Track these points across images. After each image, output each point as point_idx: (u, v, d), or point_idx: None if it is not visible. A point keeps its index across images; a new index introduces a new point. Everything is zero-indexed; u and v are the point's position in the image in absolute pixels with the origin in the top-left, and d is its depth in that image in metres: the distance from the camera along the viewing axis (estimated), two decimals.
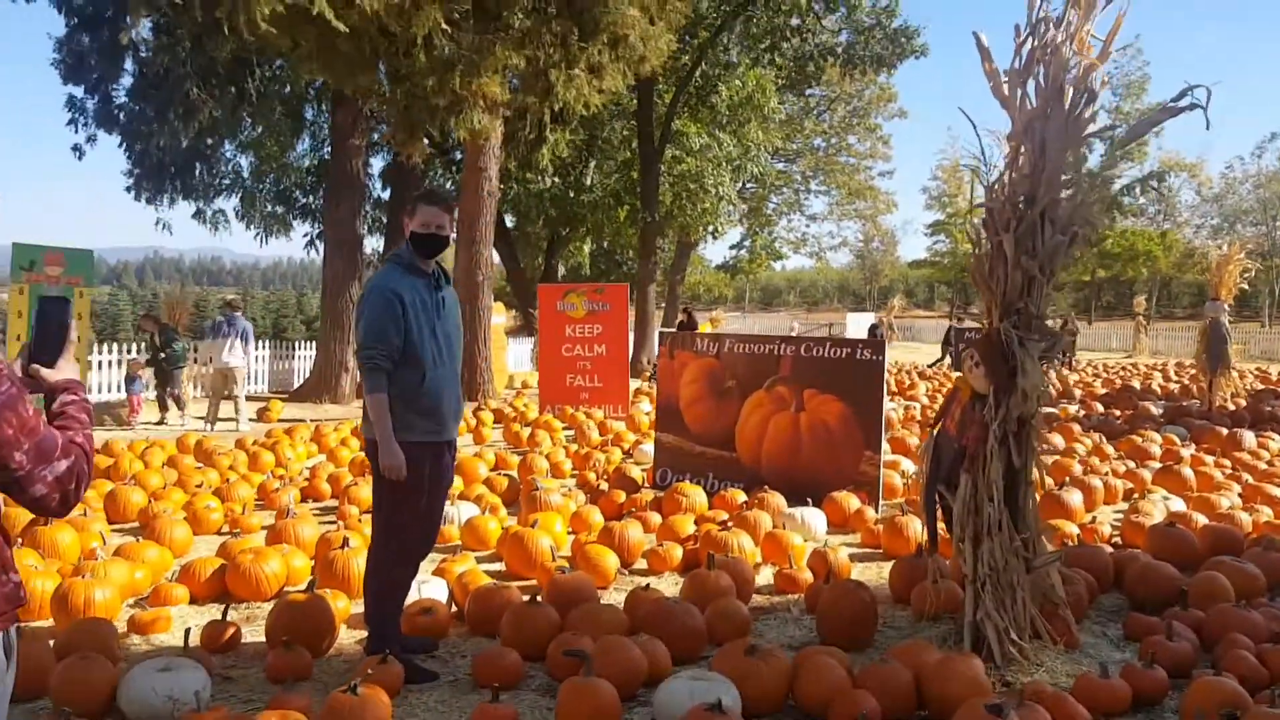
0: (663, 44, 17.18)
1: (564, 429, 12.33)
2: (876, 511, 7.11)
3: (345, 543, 5.22)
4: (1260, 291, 56.14)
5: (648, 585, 4.90)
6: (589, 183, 32.11)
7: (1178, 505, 7.19)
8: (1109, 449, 9.96)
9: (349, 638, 4.67)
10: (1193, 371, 14.49)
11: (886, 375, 18.06)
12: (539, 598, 4.56)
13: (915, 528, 6.04)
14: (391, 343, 3.92)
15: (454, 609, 4.91)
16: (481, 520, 6.31)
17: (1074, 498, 6.98)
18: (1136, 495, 7.77)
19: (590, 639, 4.07)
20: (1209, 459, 9.24)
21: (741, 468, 7.92)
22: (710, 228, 30.93)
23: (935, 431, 4.65)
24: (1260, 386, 17.49)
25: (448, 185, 27.89)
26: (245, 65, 20.82)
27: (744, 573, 5.11)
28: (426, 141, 22.27)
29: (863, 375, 7.45)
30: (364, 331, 3.95)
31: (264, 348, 19.73)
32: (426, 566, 5.57)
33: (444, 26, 12.43)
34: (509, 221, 32.91)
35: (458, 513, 6.59)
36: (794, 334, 27.13)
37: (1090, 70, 4.19)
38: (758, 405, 7.87)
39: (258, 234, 26.82)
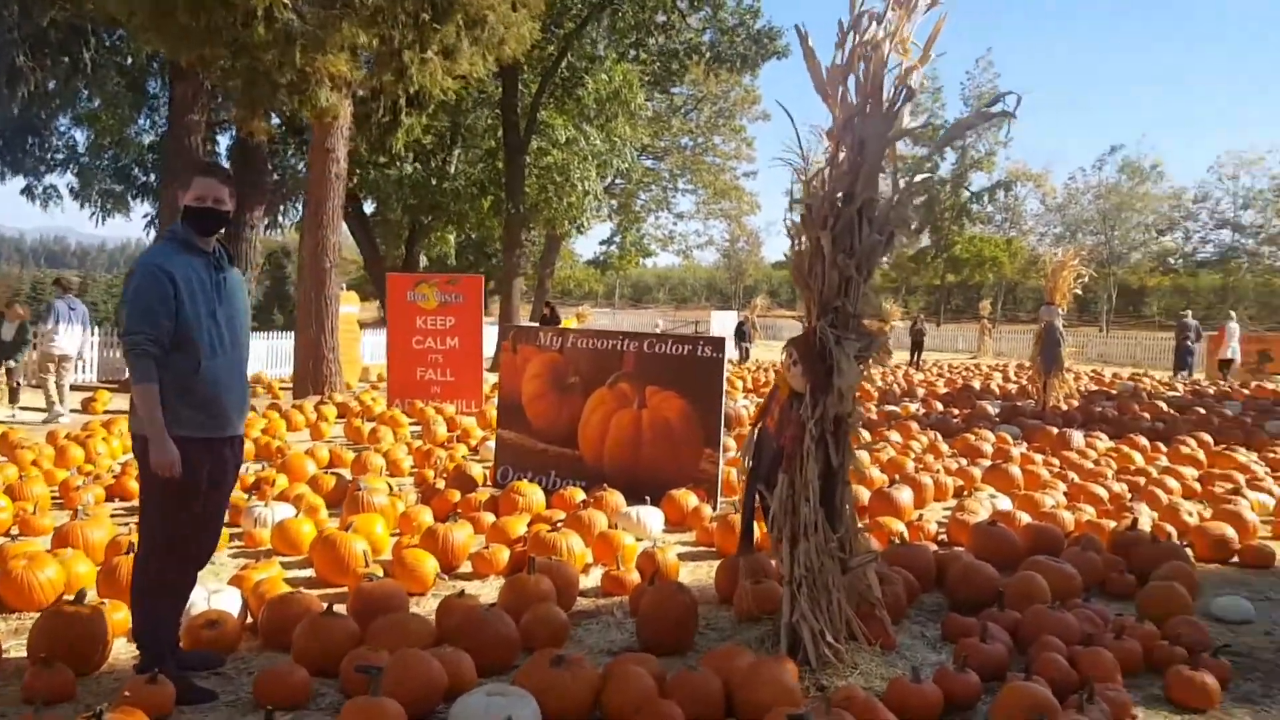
0: (525, 31, 16.87)
1: (411, 424, 11.92)
2: (714, 509, 7.05)
3: (131, 547, 4.79)
4: (1099, 298, 59.69)
5: (462, 592, 4.66)
6: (452, 171, 31.47)
7: (1005, 503, 7.38)
8: (944, 446, 10.23)
9: (128, 653, 4.26)
10: (1031, 373, 15.13)
11: (746, 373, 18.10)
12: (342, 607, 4.26)
13: None
14: (161, 326, 3.55)
15: (250, 620, 4.55)
16: (294, 523, 5.93)
17: (904, 495, 7.08)
18: (966, 493, 7.96)
19: (389, 652, 3.81)
20: (1038, 458, 9.57)
21: (584, 465, 7.75)
22: (576, 222, 30.73)
23: (756, 430, 4.58)
24: (1094, 388, 18.41)
25: (298, 166, 26.81)
26: (80, 34, 19.50)
27: (567, 576, 4.93)
28: (277, 120, 21.35)
29: (704, 372, 7.38)
30: (129, 314, 3.57)
31: (95, 334, 18.47)
32: (223, 574, 5.19)
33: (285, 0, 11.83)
34: (368, 208, 31.96)
35: (271, 514, 6.19)
36: (659, 331, 27.20)
37: (910, 71, 4.17)
38: (601, 402, 7.71)
39: (94, 213, 25.28)
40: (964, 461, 9.30)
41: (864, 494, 7.23)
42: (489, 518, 6.47)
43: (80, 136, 24.49)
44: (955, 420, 12.69)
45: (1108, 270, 58.73)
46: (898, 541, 5.86)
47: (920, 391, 16.94)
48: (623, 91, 30.00)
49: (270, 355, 21.36)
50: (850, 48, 4.20)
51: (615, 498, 6.95)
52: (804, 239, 4.19)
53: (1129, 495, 7.78)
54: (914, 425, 11.41)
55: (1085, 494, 7.74)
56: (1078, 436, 10.66)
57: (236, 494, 7.13)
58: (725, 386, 7.57)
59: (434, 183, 28.84)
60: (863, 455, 8.97)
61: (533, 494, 6.94)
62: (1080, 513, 7.02)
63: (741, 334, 30.34)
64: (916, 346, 28.31)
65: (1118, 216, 59.30)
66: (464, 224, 31.65)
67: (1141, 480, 8.36)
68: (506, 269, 29.73)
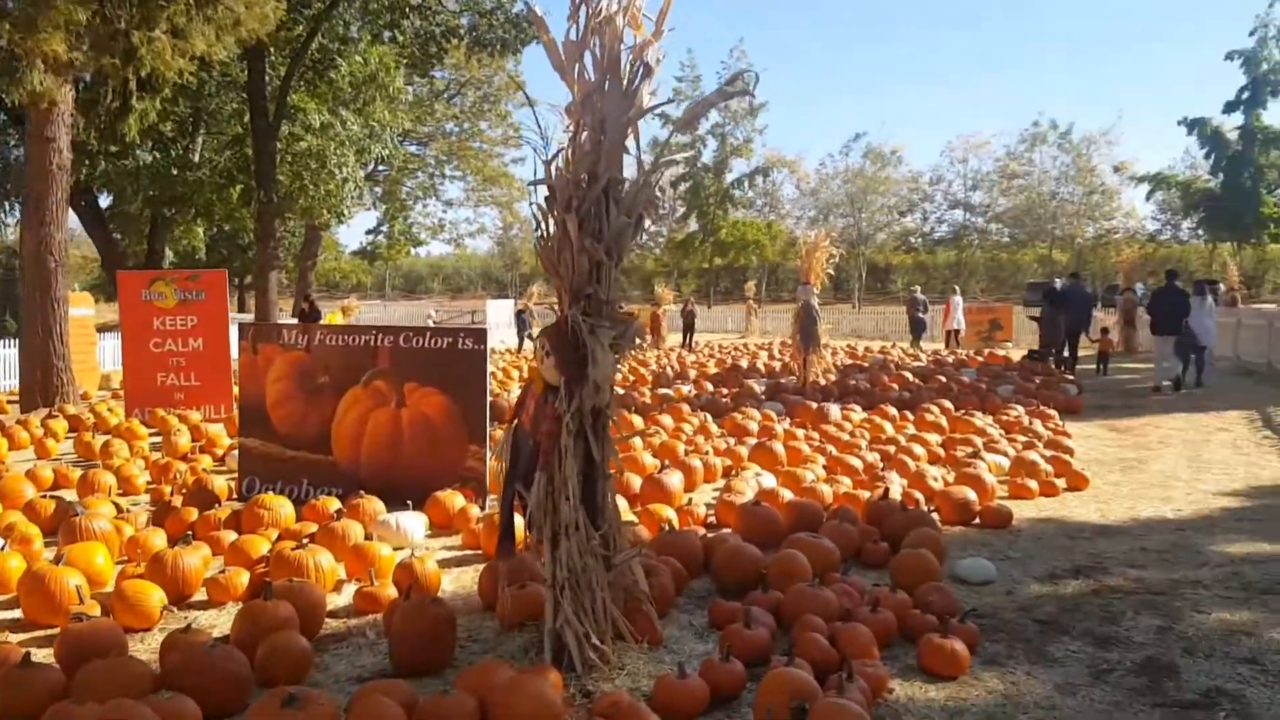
0: (268, 10, 15.74)
1: (153, 435, 10.88)
2: (483, 509, 6.76)
3: None
4: (850, 276, 63.52)
5: (188, 625, 4.15)
6: (196, 159, 29.25)
7: (769, 480, 7.52)
8: (714, 427, 10.39)
9: None
10: (791, 350, 15.74)
11: (524, 362, 17.78)
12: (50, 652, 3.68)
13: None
14: None
15: None
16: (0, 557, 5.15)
17: (674, 480, 7.05)
18: (734, 472, 8.06)
19: (97, 703, 3.30)
20: (800, 433, 9.89)
21: (339, 471, 7.24)
22: (335, 211, 29.29)
23: (512, 427, 4.34)
24: (849, 362, 19.41)
25: (17, 155, 24.08)
26: None
27: (311, 598, 4.50)
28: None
29: (466, 366, 7.05)
30: None
31: None
32: None
33: None
34: (104, 202, 29.17)
35: None
36: (432, 321, 26.41)
37: (645, 46, 4.03)
38: (354, 402, 7.22)
39: None
40: (732, 441, 9.45)
41: (635, 481, 7.16)
42: (230, 536, 5.89)
43: None
44: (725, 400, 12.96)
45: (857, 250, 62.67)
46: (667, 529, 5.79)
47: (693, 373, 17.26)
48: (379, 75, 28.87)
49: None
50: (584, 22, 4.01)
51: (373, 504, 6.52)
52: (550, 223, 3.98)
53: (881, 465, 8.13)
54: (685, 407, 11.53)
55: (843, 466, 8.02)
56: (834, 410, 11.11)
57: None
58: (490, 379, 7.29)
59: (175, 172, 26.65)
60: (636, 441, 8.95)
61: (280, 507, 6.38)
62: (838, 485, 7.24)
63: (522, 323, 30.01)
64: (688, 329, 28.95)
65: (864, 199, 63.31)
66: (211, 215, 29.49)
67: (892, 449, 8.77)
68: (260, 262, 28.03)
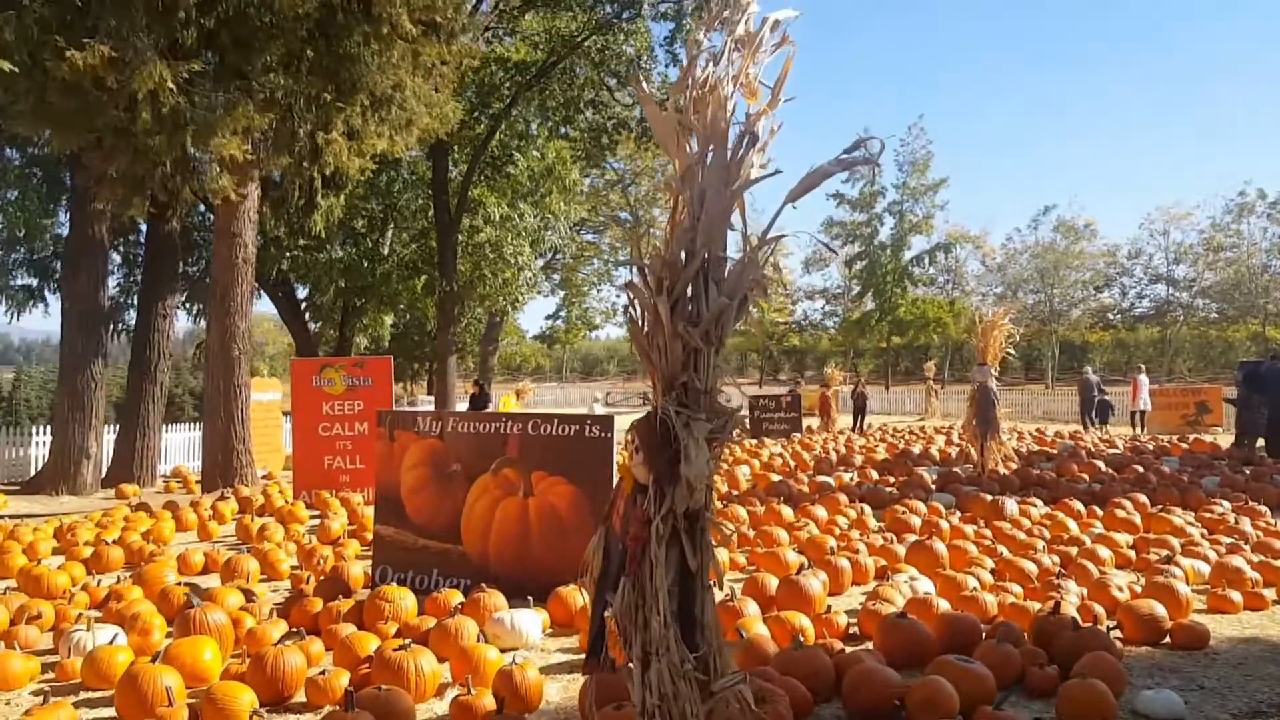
0: (448, 110, 16.51)
1: (314, 518, 11.14)
2: None
3: None
4: (1043, 354, 60.26)
5: None
6: (385, 251, 30.90)
7: (926, 585, 6.80)
8: (872, 520, 9.67)
9: None
10: (967, 436, 14.72)
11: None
12: None
13: None
14: None
15: None
16: (106, 651, 5.15)
17: (814, 584, 6.45)
18: (888, 574, 7.36)
19: None
20: (970, 529, 9.05)
21: (469, 562, 7.05)
22: (511, 298, 30.26)
23: (603, 529, 3.96)
24: (1035, 448, 18.04)
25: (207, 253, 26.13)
26: None
27: (398, 709, 4.22)
28: (202, 207, 20.64)
29: (592, 454, 6.76)
30: None
31: None
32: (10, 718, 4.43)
33: (170, 85, 11.27)
34: (302, 293, 31.16)
35: (90, 639, 5.40)
36: (598, 406, 26.57)
37: (759, 116, 3.68)
38: (484, 490, 7.05)
39: (9, 309, 24.39)
40: (891, 537, 8.71)
41: (772, 583, 6.61)
42: (348, 630, 5.74)
43: None
44: (889, 490, 12.15)
45: (1050, 328, 59.43)
46: (799, 641, 5.22)
47: (859, 459, 16.44)
48: (556, 168, 29.85)
49: (188, 448, 20.41)
50: (691, 92, 3.71)
51: (495, 599, 6.25)
52: (640, 306, 3.64)
53: (1059, 570, 7.23)
54: (843, 498, 10.84)
55: (1013, 570, 7.18)
56: (1011, 505, 10.15)
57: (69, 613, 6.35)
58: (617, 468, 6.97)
59: (366, 264, 28.22)
60: (782, 534, 8.38)
61: (401, 599, 6.20)
62: (1005, 594, 6.44)
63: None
64: (859, 411, 27.95)
65: (1055, 274, 60.19)
66: (396, 304, 30.98)
67: (1074, 550, 7.83)
68: (440, 347, 29.06)
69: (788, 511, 9.75)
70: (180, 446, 20.26)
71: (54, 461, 16.19)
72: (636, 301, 3.64)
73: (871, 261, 54.24)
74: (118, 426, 18.21)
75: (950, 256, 59.13)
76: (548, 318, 60.25)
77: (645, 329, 3.67)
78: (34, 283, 24.13)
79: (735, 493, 11.97)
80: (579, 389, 58.42)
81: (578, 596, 6.33)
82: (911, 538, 8.53)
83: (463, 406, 26.77)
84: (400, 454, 7.34)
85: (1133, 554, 7.95)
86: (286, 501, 12.08)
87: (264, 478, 15.65)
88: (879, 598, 6.23)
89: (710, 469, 3.56)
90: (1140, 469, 13.37)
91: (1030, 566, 7.26)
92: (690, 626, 3.62)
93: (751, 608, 5.91)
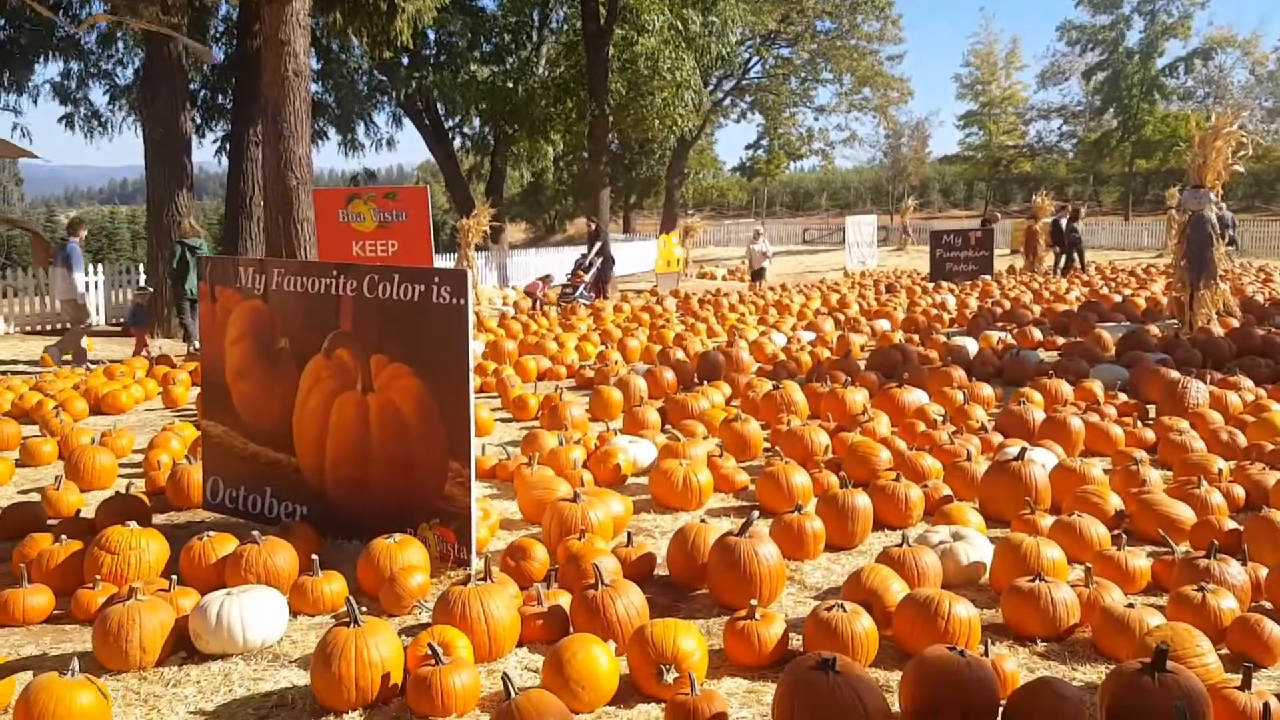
0: None
1: None
2: (465, 564, 4.21)
3: None
4: None
5: None
6: (540, 70, 28.45)
7: (977, 552, 4.12)
8: (979, 413, 6.79)
9: None
10: (1173, 283, 11.07)
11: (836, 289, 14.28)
12: None
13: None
14: None
15: None
16: None
17: (769, 549, 3.87)
18: (936, 511, 4.68)
19: None
20: (1118, 430, 6.08)
21: (304, 482, 4.89)
22: (670, 121, 27.07)
23: None
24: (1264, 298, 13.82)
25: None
26: None
27: None
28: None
29: (441, 331, 4.36)
30: None
31: (98, 273, 16.96)
32: None
33: None
34: (448, 123, 29.42)
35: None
36: (760, 242, 23.44)
37: None
38: (316, 380, 4.82)
39: (89, 139, 24.09)
40: (971, 451, 5.78)
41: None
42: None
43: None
44: (1042, 358, 9.07)
45: None
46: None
47: (1037, 309, 13.07)
48: None
49: None
50: None
51: (277, 556, 4.11)
52: None
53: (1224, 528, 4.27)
54: (959, 373, 7.92)
55: (1148, 522, 4.30)
56: (1198, 389, 6.92)
57: None
58: (472, 355, 4.57)
59: (509, 85, 25.91)
60: (820, 438, 5.81)
61: (141, 547, 4.18)
62: (1102, 593, 3.65)
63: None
64: (1072, 246, 23.05)
65: None
66: (548, 130, 28.54)
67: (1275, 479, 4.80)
68: (592, 179, 26.64)
69: (859, 398, 7.00)
70: None
71: (150, 303, 15.47)
72: None
73: (1115, 72, 46.53)
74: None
75: (1211, 64, 49.80)
76: (747, 147, 55.78)
77: None
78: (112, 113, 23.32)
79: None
80: (776, 225, 54.54)
81: (403, 552, 4.10)
82: (1015, 447, 5.56)
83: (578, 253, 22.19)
84: (223, 320, 5.17)
85: None
86: None
87: None
88: (864, 587, 3.60)
89: None
90: None
91: (1185, 514, 4.38)
92: None
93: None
